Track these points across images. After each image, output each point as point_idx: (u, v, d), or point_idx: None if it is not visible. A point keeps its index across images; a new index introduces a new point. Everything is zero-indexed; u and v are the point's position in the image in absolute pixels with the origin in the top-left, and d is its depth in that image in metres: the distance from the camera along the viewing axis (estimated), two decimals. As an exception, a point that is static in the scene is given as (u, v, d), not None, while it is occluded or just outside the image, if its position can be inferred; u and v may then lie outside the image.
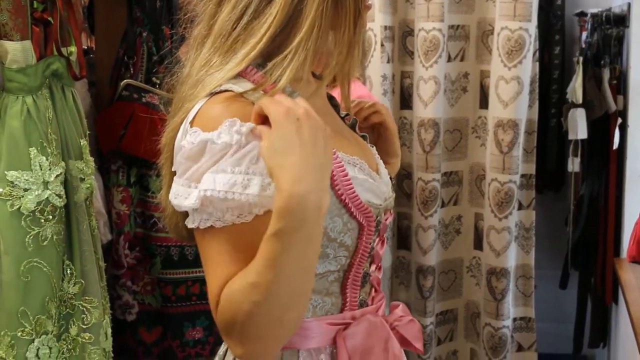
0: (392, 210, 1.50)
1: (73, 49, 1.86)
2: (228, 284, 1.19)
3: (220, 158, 1.21)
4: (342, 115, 1.58)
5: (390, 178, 1.57)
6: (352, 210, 1.34)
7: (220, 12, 1.36)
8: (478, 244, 3.38)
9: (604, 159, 3.74)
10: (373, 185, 1.40)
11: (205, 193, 1.19)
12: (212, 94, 1.29)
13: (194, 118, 1.26)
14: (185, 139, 1.25)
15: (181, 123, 1.30)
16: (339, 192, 1.33)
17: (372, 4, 1.47)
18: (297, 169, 1.14)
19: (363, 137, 1.58)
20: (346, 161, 1.37)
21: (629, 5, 3.56)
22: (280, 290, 1.15)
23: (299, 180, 1.13)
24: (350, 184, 1.34)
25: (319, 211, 1.15)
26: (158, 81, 2.40)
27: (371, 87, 3.31)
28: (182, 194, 1.24)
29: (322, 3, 1.31)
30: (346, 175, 1.34)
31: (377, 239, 1.43)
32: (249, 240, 1.20)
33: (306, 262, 1.18)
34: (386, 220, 1.46)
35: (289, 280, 1.16)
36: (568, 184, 4.09)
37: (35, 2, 1.74)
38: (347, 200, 1.33)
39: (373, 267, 1.44)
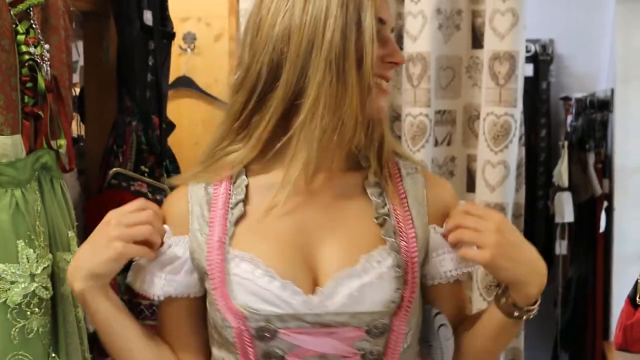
0: (333, 333, 1.40)
1: (62, 142, 1.87)
2: None
3: None
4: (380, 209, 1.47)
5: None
6: (220, 308, 1.40)
7: (236, 98, 1.46)
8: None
9: (591, 242, 3.77)
10: (260, 290, 1.38)
11: None
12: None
13: None
14: None
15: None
16: (214, 287, 1.41)
17: (389, 90, 1.50)
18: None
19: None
20: (240, 258, 1.41)
21: (613, 90, 3.63)
22: None
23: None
24: (222, 282, 1.40)
25: (75, 292, 1.47)
26: (147, 170, 2.42)
27: (359, 171, 3.33)
28: None
29: (322, 83, 1.36)
30: (221, 272, 1.40)
31: (290, 354, 1.40)
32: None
33: (109, 338, 1.50)
34: (297, 331, 1.39)
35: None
36: (556, 266, 4.11)
37: (26, 96, 1.76)
38: (218, 298, 1.40)
39: None
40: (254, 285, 1.38)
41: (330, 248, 1.43)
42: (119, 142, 2.43)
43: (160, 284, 1.47)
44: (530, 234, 3.99)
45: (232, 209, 1.45)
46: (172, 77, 2.83)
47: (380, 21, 1.41)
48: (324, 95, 1.36)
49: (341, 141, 1.41)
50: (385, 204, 1.46)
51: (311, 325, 1.38)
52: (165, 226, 1.48)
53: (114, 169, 2.39)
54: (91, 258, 1.43)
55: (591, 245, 3.77)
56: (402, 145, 3.33)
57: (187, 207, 1.48)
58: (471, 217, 1.42)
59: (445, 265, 1.47)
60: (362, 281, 1.39)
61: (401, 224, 1.45)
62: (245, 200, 1.46)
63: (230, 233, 1.44)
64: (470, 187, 3.34)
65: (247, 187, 1.47)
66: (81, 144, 2.67)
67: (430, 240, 1.47)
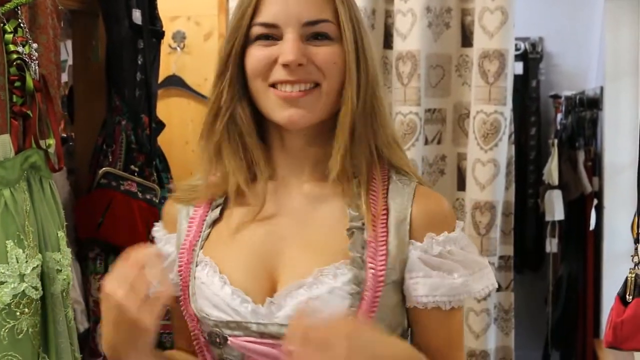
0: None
1: (51, 141, 1.86)
2: None
3: None
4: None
5: None
6: (183, 310, 1.42)
7: None
8: (458, 326, 3.37)
9: (582, 240, 3.78)
10: (212, 295, 1.37)
11: None
12: None
13: None
14: None
15: None
16: (180, 289, 1.43)
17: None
18: None
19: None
20: (205, 262, 1.40)
21: (602, 88, 3.64)
22: None
23: None
24: (186, 285, 1.41)
25: None
26: (136, 169, 2.42)
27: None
28: None
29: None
30: (186, 274, 1.41)
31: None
32: None
33: None
34: (245, 340, 1.36)
35: None
36: (547, 263, 4.11)
37: (14, 96, 1.75)
38: (182, 299, 1.42)
39: None
40: (209, 290, 1.37)
41: (292, 258, 1.37)
42: (108, 142, 2.42)
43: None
44: (520, 232, 3.99)
45: (211, 211, 1.44)
46: (161, 76, 2.83)
47: (265, 26, 1.35)
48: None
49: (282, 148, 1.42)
50: (362, 218, 1.36)
51: (259, 335, 1.33)
52: (157, 228, 1.53)
53: (104, 168, 2.39)
54: (106, 335, 1.30)
55: (581, 243, 3.78)
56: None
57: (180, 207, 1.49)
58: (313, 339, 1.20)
59: (417, 289, 1.34)
60: (310, 294, 1.31)
61: (373, 239, 1.34)
62: (227, 205, 1.44)
63: (205, 235, 1.43)
64: (461, 185, 3.34)
65: (230, 191, 1.44)
66: (70, 143, 2.66)
67: (407, 261, 1.35)
